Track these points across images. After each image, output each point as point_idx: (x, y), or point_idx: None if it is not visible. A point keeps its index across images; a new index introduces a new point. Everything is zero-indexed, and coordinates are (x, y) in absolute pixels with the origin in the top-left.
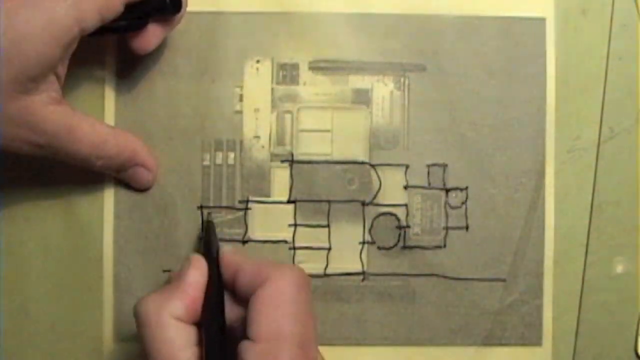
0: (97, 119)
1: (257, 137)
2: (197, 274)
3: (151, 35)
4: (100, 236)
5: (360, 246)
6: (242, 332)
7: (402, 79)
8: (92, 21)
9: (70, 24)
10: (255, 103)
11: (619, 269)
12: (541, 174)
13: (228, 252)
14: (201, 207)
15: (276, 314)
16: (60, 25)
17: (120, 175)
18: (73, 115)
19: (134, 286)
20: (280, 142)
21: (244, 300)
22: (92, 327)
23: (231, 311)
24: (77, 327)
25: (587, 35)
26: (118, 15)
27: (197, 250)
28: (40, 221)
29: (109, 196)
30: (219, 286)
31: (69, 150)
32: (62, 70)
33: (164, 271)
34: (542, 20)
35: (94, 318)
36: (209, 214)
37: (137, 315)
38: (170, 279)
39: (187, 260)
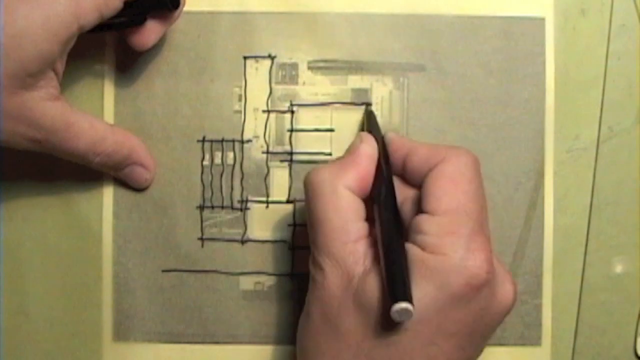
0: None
1: (257, 136)
2: (369, 147)
3: (150, 32)
4: (99, 236)
5: None
6: (407, 210)
7: (401, 79)
8: (90, 18)
9: (69, 21)
10: (254, 103)
11: (619, 269)
12: (540, 174)
13: (397, 135)
14: (200, 207)
15: (456, 190)
16: (59, 22)
17: (117, 173)
18: (71, 111)
19: (134, 286)
20: (279, 141)
21: (414, 179)
22: (92, 327)
23: (397, 193)
24: (77, 327)
25: (586, 35)
26: (117, 11)
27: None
28: (39, 221)
29: (108, 196)
30: (387, 165)
31: (67, 146)
32: (61, 66)
33: (164, 271)
34: (541, 20)
35: (94, 318)
36: (367, 104)
37: (310, 184)
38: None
39: (358, 137)
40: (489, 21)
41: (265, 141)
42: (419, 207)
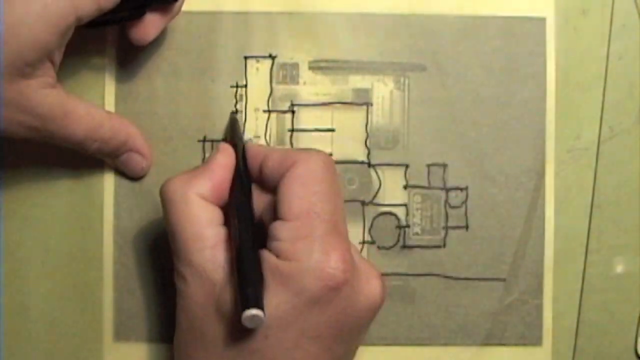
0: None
1: (257, 136)
2: (224, 157)
3: (150, 26)
4: (100, 236)
5: (360, 246)
6: (268, 218)
7: (402, 79)
8: (89, 9)
9: (67, 11)
10: (255, 103)
11: (619, 268)
12: (541, 174)
13: (254, 144)
14: None
15: (307, 191)
16: (57, 12)
17: (114, 161)
18: (68, 98)
19: (134, 286)
20: (280, 141)
21: (270, 186)
22: (92, 327)
23: (255, 201)
24: (77, 327)
25: (587, 35)
26: (115, 4)
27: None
28: (39, 221)
29: (109, 196)
30: (246, 174)
31: (64, 133)
32: (58, 57)
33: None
34: (542, 20)
35: (94, 318)
36: (232, 112)
37: (163, 194)
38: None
39: (216, 148)
40: (490, 21)
41: (266, 141)
42: (276, 214)
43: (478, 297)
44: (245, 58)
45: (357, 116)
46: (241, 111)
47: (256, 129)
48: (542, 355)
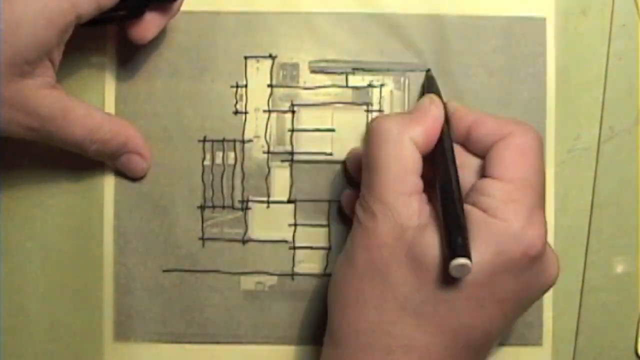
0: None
1: (257, 136)
2: (437, 109)
3: (150, 24)
4: (100, 236)
5: None
6: (467, 178)
7: (402, 79)
8: (88, 8)
9: (67, 9)
10: (255, 103)
11: (619, 269)
12: None
13: (461, 105)
14: (201, 207)
15: (524, 162)
16: (57, 10)
17: (114, 162)
18: (68, 99)
19: (134, 286)
20: (280, 141)
21: (479, 149)
22: (92, 327)
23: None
24: (77, 327)
25: (587, 35)
26: (115, 3)
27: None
28: (39, 221)
29: (109, 196)
30: (449, 130)
31: (63, 134)
32: (57, 56)
33: (164, 271)
34: (542, 20)
35: (94, 318)
36: (428, 70)
37: (376, 129)
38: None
39: (427, 97)
40: (490, 21)
41: (266, 141)
42: (481, 175)
43: None
44: (245, 58)
45: (357, 116)
46: (241, 111)
47: (256, 128)
48: (543, 356)
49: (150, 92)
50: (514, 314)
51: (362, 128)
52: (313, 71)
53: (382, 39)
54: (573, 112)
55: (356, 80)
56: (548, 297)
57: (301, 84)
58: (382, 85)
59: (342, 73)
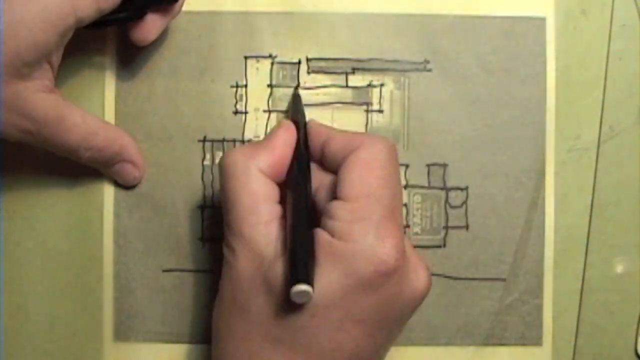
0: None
1: (257, 136)
2: (286, 133)
3: (151, 26)
4: (100, 236)
5: None
6: (323, 198)
7: (402, 79)
8: (88, 11)
9: (67, 12)
10: (255, 103)
11: (619, 269)
12: (541, 174)
13: (316, 122)
14: (201, 207)
15: (369, 175)
16: (57, 12)
17: (107, 170)
18: (64, 104)
19: (134, 286)
20: None
21: (331, 166)
22: (92, 327)
23: (312, 179)
24: (77, 327)
25: (587, 35)
26: (116, 5)
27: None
28: (39, 221)
29: (109, 196)
30: (306, 151)
31: (58, 139)
32: (57, 59)
33: (164, 271)
34: (542, 19)
35: (94, 318)
36: (296, 87)
37: (223, 165)
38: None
39: (277, 123)
40: (490, 21)
41: None
42: (334, 194)
43: (478, 297)
44: (245, 58)
45: (357, 116)
46: (241, 111)
47: (256, 128)
48: (543, 355)
49: (150, 92)
50: (383, 332)
51: (362, 128)
52: (313, 71)
53: (382, 39)
54: (573, 111)
55: (356, 80)
56: (548, 297)
57: (301, 84)
58: (382, 85)
59: (342, 73)
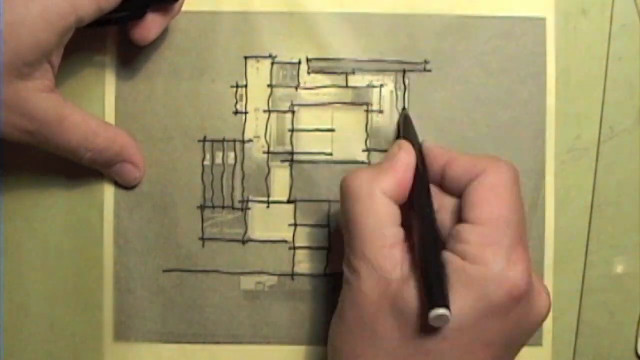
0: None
1: (257, 136)
2: (407, 155)
3: (151, 25)
4: (100, 236)
5: None
6: (445, 219)
7: (402, 79)
8: (89, 10)
9: (67, 11)
10: (255, 103)
11: (619, 269)
12: (541, 174)
13: (432, 144)
14: (201, 207)
15: (498, 201)
16: (57, 12)
17: (107, 170)
18: (65, 105)
19: (134, 286)
20: (280, 141)
21: (454, 189)
22: (92, 327)
23: (433, 200)
24: (77, 327)
25: (587, 35)
26: (116, 5)
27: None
28: (39, 221)
29: (109, 196)
30: (425, 173)
31: (58, 139)
32: (57, 59)
33: (164, 271)
34: (542, 20)
35: (94, 318)
36: (403, 108)
37: (347, 187)
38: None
39: (396, 144)
40: (490, 21)
41: (266, 141)
42: (459, 216)
43: None
44: (245, 58)
45: (357, 116)
46: (241, 111)
47: (256, 129)
48: (543, 355)
49: (150, 92)
50: (508, 355)
51: (362, 128)
52: (313, 71)
53: (382, 39)
54: (573, 112)
55: (356, 80)
56: None
57: (301, 84)
58: (382, 85)
59: (342, 73)
